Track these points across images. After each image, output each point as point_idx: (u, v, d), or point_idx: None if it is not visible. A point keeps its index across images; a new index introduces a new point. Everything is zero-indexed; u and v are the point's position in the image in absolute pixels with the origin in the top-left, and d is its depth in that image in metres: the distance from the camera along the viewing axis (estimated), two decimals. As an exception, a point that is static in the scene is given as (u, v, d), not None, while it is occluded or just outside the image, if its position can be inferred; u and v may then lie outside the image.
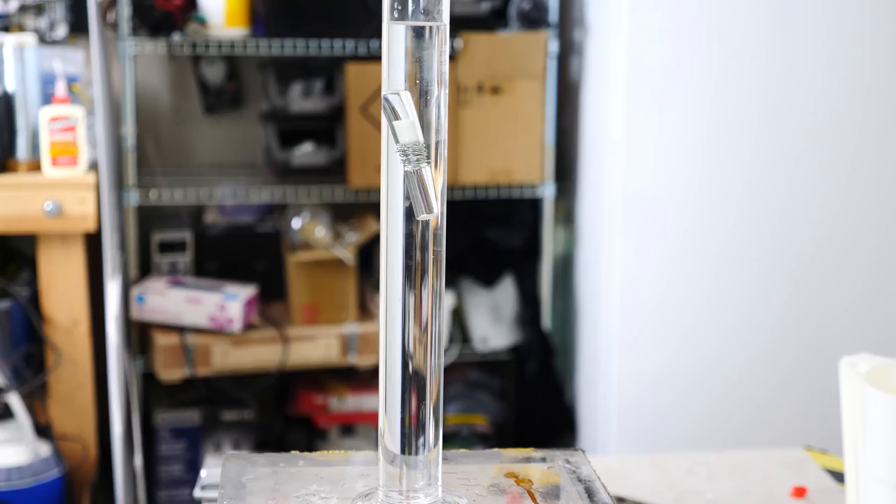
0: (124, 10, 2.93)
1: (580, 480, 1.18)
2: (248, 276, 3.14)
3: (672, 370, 2.92)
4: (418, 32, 1.04)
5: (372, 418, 3.19)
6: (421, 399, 1.08)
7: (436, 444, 1.10)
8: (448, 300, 3.21)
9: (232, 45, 3.03)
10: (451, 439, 3.21)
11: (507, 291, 3.30)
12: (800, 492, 1.60)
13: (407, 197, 1.04)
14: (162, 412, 3.12)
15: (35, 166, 2.73)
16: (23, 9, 2.96)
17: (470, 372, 3.40)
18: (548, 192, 3.21)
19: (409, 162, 1.01)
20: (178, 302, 2.98)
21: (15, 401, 2.65)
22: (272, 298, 3.19)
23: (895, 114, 2.90)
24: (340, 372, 3.23)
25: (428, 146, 1.04)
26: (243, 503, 1.12)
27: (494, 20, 3.16)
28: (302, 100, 3.15)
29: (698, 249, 2.89)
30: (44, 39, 2.95)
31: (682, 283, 2.90)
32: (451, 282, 3.28)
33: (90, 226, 2.70)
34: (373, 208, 3.20)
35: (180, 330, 3.00)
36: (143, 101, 3.26)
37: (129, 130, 2.99)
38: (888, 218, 2.93)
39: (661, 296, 2.90)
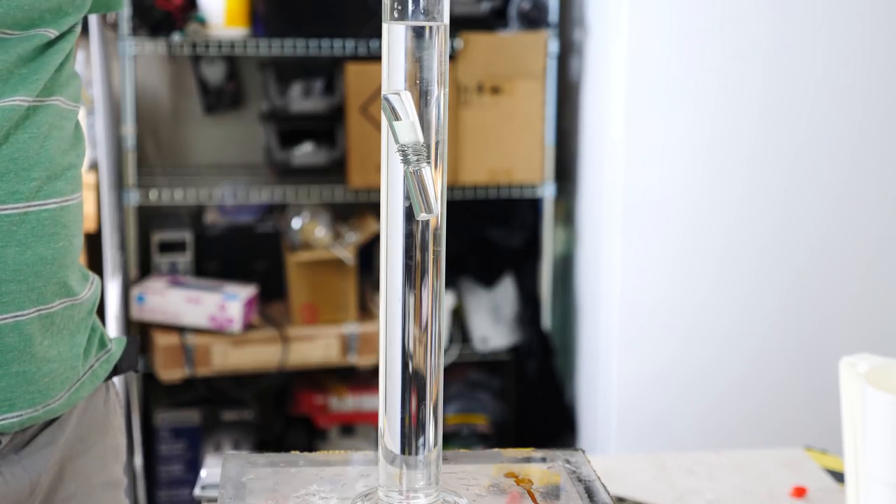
0: (124, 10, 2.93)
1: (580, 480, 1.18)
2: (248, 276, 3.14)
3: (672, 370, 2.92)
4: (418, 32, 1.04)
5: (372, 418, 3.19)
6: (421, 399, 1.08)
7: (436, 444, 1.10)
8: (448, 300, 3.21)
9: (232, 45, 3.03)
10: (451, 439, 3.21)
11: (507, 291, 3.30)
12: (800, 492, 1.60)
13: (407, 197, 1.04)
14: (162, 412, 3.12)
15: (35, 166, 2.73)
16: (23, 9, 2.95)
17: (470, 372, 3.40)
18: (548, 192, 3.21)
19: (409, 162, 1.01)
20: (178, 302, 2.98)
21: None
22: (272, 298, 3.19)
23: (894, 114, 2.90)
24: (340, 372, 3.23)
25: (428, 146, 1.04)
26: (243, 503, 1.12)
27: (494, 20, 3.16)
28: (302, 100, 3.15)
29: (698, 249, 2.89)
30: (44, 39, 2.95)
31: (682, 282, 2.90)
32: (451, 282, 3.28)
33: (90, 226, 2.70)
34: (373, 208, 3.20)
35: (180, 330, 2.99)
36: (143, 101, 3.25)
37: (129, 130, 2.99)
38: (887, 218, 2.93)
39: (660, 295, 2.90)
